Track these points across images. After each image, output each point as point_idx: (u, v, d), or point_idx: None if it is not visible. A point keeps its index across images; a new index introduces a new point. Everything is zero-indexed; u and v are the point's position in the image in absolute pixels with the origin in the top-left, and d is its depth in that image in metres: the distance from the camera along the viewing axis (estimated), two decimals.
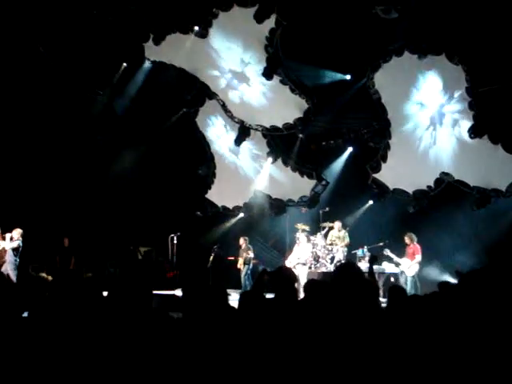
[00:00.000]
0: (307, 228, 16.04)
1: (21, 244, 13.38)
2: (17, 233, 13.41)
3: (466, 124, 13.18)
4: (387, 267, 14.28)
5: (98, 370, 3.00)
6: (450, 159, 14.31)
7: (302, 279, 13.41)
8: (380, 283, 13.50)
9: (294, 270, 12.98)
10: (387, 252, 14.00)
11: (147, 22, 14.23)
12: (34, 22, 13.95)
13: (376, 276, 13.09)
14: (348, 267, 4.51)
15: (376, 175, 15.57)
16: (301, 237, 14.91)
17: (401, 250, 14.25)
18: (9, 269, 13.03)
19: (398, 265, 14.06)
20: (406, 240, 14.07)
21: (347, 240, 15.40)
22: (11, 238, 13.28)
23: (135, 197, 17.26)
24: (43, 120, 15.90)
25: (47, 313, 3.46)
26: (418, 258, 13.74)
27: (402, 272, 13.91)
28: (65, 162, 16.56)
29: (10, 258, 13.23)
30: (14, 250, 13.29)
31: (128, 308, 3.54)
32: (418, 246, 13.87)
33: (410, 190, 15.33)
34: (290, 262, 14.23)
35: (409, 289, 13.05)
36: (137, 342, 3.17)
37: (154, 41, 14.41)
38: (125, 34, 14.59)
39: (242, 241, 15.91)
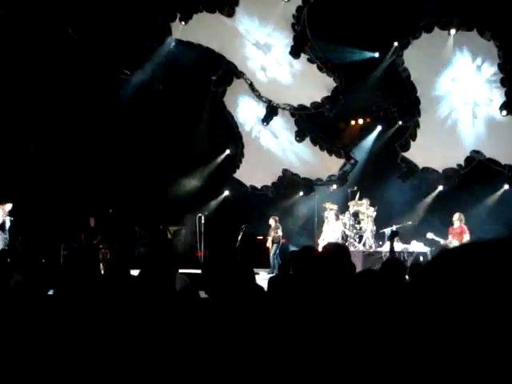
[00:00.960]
0: (335, 207, 16.00)
1: (6, 220, 13.47)
2: (1, 210, 13.49)
3: (498, 101, 12.97)
4: (416, 247, 14.05)
5: (127, 347, 3.06)
6: (481, 137, 14.12)
7: None
8: (408, 263, 13.37)
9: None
10: (431, 235, 13.57)
11: (174, 2, 14.23)
12: (62, 3, 14.02)
13: (404, 256, 13.09)
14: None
15: (405, 154, 15.44)
16: (329, 215, 14.85)
17: (433, 230, 14.03)
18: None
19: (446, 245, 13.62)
20: (456, 219, 13.56)
21: (373, 216, 15.32)
22: None
23: (164, 176, 17.37)
24: (74, 102, 16.04)
25: (72, 291, 3.52)
26: (467, 237, 13.20)
27: None
28: (94, 142, 16.72)
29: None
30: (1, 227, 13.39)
31: (156, 287, 3.58)
32: (465, 227, 13.43)
33: (440, 169, 15.18)
34: (322, 241, 14.14)
35: None
36: (163, 321, 3.21)
37: (181, 20, 14.39)
38: (152, 13, 14.61)
39: (271, 220, 15.89)
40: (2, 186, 14.59)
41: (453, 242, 13.06)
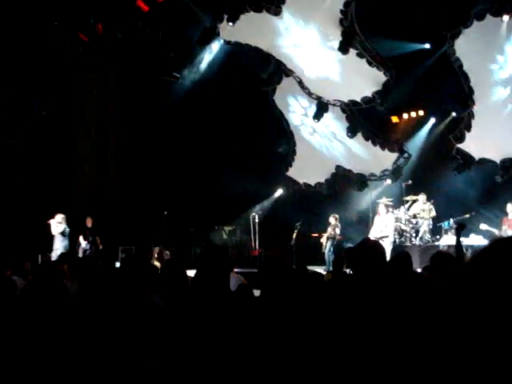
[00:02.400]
0: (390, 202, 15.84)
1: (66, 227, 13.86)
2: (60, 218, 13.89)
3: None
4: (475, 240, 13.75)
5: (185, 346, 3.10)
6: None
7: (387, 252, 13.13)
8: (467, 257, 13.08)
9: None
10: (485, 226, 13.32)
11: (221, 3, 14.32)
12: (111, 10, 14.34)
13: (463, 249, 12.81)
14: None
15: (460, 145, 15.14)
16: (380, 208, 14.70)
17: (491, 222, 13.73)
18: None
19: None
20: (510, 210, 13.29)
21: (433, 213, 15.04)
22: (57, 223, 13.79)
23: (218, 176, 17.52)
24: (130, 106, 16.38)
25: (130, 292, 3.59)
26: None
27: None
28: (150, 144, 17.03)
29: (59, 243, 13.73)
30: (61, 234, 13.80)
31: (212, 287, 3.62)
32: None
33: (497, 159, 14.82)
34: (373, 236, 13.99)
35: None
36: (220, 320, 3.24)
37: (229, 21, 14.46)
38: (200, 15, 14.75)
39: (332, 218, 15.76)
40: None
41: (508, 231, 12.79)
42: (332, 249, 15.30)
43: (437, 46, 13.90)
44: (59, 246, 13.68)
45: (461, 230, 7.22)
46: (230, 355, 2.98)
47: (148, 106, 16.68)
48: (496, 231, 13.20)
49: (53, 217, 13.87)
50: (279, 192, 18.43)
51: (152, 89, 16.38)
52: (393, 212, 15.63)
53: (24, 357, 3.31)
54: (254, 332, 3.15)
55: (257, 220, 15.86)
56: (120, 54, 15.71)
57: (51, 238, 14.00)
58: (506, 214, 13.25)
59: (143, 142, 17.03)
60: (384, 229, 14.23)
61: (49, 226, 13.80)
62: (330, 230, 15.59)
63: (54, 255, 13.33)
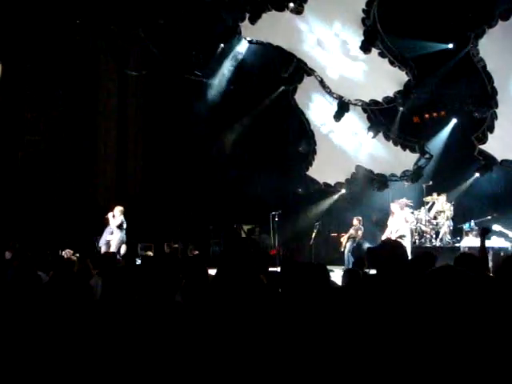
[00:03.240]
0: (411, 203, 15.76)
1: (124, 220, 13.89)
2: (118, 210, 13.93)
3: None
4: (497, 242, 13.61)
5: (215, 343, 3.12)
6: None
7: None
8: (489, 259, 12.95)
9: None
10: (498, 227, 13.21)
11: (243, 1, 14.34)
12: (133, 7, 14.42)
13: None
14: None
15: (482, 146, 15.00)
16: (394, 208, 14.55)
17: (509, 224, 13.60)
18: (116, 245, 13.56)
19: None
20: None
21: (451, 213, 14.93)
22: (113, 216, 13.83)
23: (238, 176, 17.55)
24: (150, 105, 16.45)
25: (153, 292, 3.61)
26: None
27: None
28: (171, 143, 17.10)
29: (116, 235, 13.75)
30: (119, 227, 13.83)
31: (238, 285, 3.62)
32: None
33: None
34: (387, 236, 13.80)
35: None
36: (246, 317, 3.25)
37: (251, 20, 14.47)
38: (222, 13, 14.78)
39: (355, 221, 15.71)
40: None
41: None
42: (352, 249, 15.24)
43: (460, 46, 13.77)
44: (116, 239, 13.70)
45: (486, 233, 7.14)
46: (252, 355, 2.98)
47: (169, 104, 16.75)
48: (510, 233, 13.09)
49: (111, 209, 13.89)
50: (299, 192, 18.39)
51: (174, 87, 16.44)
52: (413, 212, 15.54)
53: (45, 355, 3.34)
54: (277, 331, 3.16)
55: (276, 219, 15.81)
56: (142, 52, 15.78)
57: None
58: None
59: (164, 140, 17.10)
60: (399, 228, 14.02)
61: (107, 220, 13.83)
62: (352, 231, 15.53)
63: (114, 248, 13.43)
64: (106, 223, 13.87)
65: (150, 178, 17.26)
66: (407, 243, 13.54)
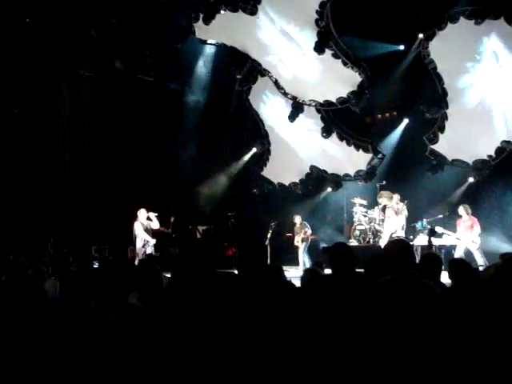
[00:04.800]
0: (365, 202, 15.95)
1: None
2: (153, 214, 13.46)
3: None
4: (448, 240, 13.80)
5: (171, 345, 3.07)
6: None
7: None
8: (442, 257, 13.10)
9: None
10: (440, 229, 13.27)
11: (197, 2, 14.26)
12: (85, 7, 14.19)
13: (436, 250, 12.88)
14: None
15: (434, 146, 15.28)
16: (388, 211, 14.56)
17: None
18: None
19: (457, 239, 13.40)
20: (462, 212, 13.20)
21: (405, 213, 15.12)
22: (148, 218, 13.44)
23: (192, 176, 17.44)
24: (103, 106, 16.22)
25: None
26: (478, 229, 12.98)
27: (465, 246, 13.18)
28: (116, 143, 16.88)
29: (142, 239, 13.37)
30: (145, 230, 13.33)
31: (191, 288, 3.58)
32: (475, 218, 13.18)
33: (470, 161, 14.99)
34: (384, 239, 13.77)
35: (482, 262, 12.39)
36: (201, 319, 3.21)
37: (204, 20, 14.41)
38: (175, 14, 14.67)
39: (296, 219, 15.84)
40: None
41: (462, 233, 12.87)
42: (306, 249, 15.34)
43: (411, 47, 14.02)
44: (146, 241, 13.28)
45: (432, 234, 7.32)
46: (208, 356, 2.95)
47: (122, 105, 16.52)
48: (451, 234, 13.29)
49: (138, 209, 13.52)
50: (254, 192, 18.40)
51: (127, 88, 16.23)
52: (367, 212, 15.74)
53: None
54: (233, 332, 3.13)
55: (232, 220, 15.80)
56: (94, 51, 15.54)
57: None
58: (460, 217, 13.23)
59: (118, 141, 16.84)
60: (396, 228, 13.97)
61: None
62: (299, 231, 15.58)
63: (150, 250, 13.07)
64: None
65: (103, 178, 16.97)
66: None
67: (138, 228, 13.10)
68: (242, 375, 2.91)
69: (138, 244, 13.14)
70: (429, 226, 14.12)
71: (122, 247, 14.70)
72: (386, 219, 14.53)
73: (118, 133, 16.77)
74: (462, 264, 5.32)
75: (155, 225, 13.37)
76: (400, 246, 4.46)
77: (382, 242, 12.75)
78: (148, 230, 13.22)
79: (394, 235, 13.52)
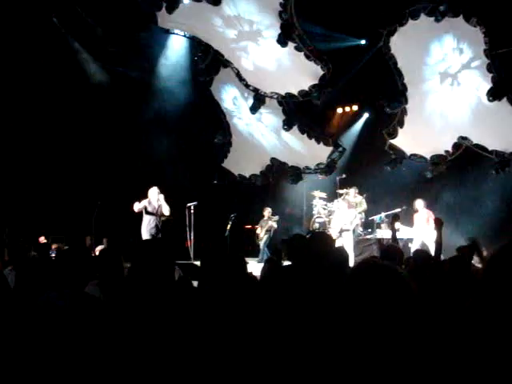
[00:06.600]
0: (324, 195, 16.08)
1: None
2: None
3: (485, 87, 13.00)
4: (405, 233, 14.00)
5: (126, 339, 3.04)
6: (468, 123, 14.18)
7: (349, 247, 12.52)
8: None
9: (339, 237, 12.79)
10: (397, 224, 13.33)
11: None
12: None
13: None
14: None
15: (393, 141, 15.49)
16: (340, 203, 14.62)
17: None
18: None
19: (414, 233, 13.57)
20: (418, 206, 13.42)
21: (364, 206, 15.26)
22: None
23: (151, 167, 17.27)
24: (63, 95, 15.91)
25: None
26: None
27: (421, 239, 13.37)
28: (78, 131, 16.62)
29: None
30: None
31: (152, 278, 3.55)
32: (431, 212, 13.37)
33: (428, 155, 15.25)
34: (333, 230, 13.55)
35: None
36: (161, 312, 3.19)
37: (167, 9, 14.24)
38: (138, 2, 14.46)
39: (265, 212, 15.91)
40: None
41: (420, 227, 13.09)
42: (268, 241, 15.42)
43: (373, 42, 14.14)
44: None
45: (394, 221, 7.41)
46: (173, 348, 2.94)
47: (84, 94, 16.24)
48: (408, 228, 13.52)
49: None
50: (214, 183, 18.36)
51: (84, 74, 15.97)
52: (326, 205, 15.87)
53: None
54: (197, 324, 3.12)
55: (192, 211, 15.71)
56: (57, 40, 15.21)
57: None
58: (416, 211, 13.44)
59: (77, 130, 16.56)
60: (345, 221, 13.68)
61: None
62: (264, 223, 15.65)
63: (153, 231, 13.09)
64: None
65: (60, 168, 16.66)
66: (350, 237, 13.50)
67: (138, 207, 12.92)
68: (200, 365, 2.90)
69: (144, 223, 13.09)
70: (386, 219, 14.35)
71: (79, 236, 14.52)
72: (336, 210, 14.56)
73: (77, 121, 16.49)
74: (423, 254, 5.41)
75: (165, 210, 13.17)
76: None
77: (332, 234, 12.74)
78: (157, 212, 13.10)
79: (343, 228, 13.46)
